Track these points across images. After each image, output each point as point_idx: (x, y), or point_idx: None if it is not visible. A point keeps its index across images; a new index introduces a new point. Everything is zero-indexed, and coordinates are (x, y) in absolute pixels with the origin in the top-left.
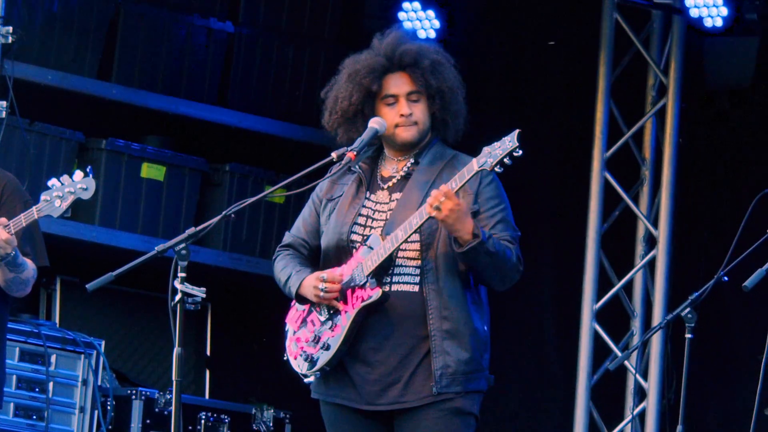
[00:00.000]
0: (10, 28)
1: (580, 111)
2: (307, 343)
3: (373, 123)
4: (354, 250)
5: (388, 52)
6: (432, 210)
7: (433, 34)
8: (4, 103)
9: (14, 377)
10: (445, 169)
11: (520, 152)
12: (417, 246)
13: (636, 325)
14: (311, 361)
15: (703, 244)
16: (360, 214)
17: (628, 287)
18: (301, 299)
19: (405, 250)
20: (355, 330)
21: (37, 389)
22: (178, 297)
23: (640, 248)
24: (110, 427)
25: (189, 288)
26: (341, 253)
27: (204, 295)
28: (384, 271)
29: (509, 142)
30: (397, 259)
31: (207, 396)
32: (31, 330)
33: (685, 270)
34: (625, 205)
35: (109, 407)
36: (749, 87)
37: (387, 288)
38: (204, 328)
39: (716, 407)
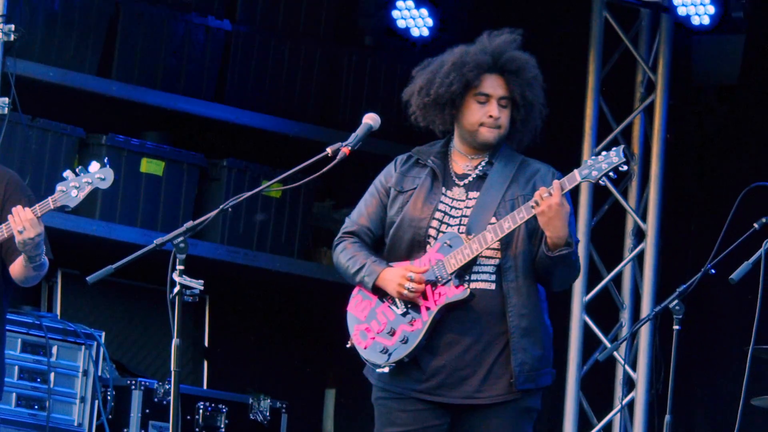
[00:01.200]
0: (13, 26)
1: (570, 107)
2: (380, 334)
3: (367, 119)
4: (428, 246)
5: (496, 53)
6: (533, 204)
7: (426, 32)
8: (6, 100)
9: (16, 368)
10: (519, 172)
11: (626, 167)
12: (497, 245)
13: (625, 316)
14: (387, 353)
15: (690, 237)
16: (438, 209)
17: (617, 280)
18: (376, 291)
19: (491, 248)
20: (434, 326)
21: (38, 380)
22: (176, 289)
23: (628, 242)
24: (110, 416)
25: (187, 280)
26: (414, 246)
27: (202, 288)
28: (466, 269)
29: (615, 156)
30: (477, 258)
31: (205, 386)
32: (32, 321)
33: (673, 263)
34: (614, 200)
35: (109, 397)
36: (736, 83)
37: (466, 285)
38: (202, 320)
39: (704, 397)
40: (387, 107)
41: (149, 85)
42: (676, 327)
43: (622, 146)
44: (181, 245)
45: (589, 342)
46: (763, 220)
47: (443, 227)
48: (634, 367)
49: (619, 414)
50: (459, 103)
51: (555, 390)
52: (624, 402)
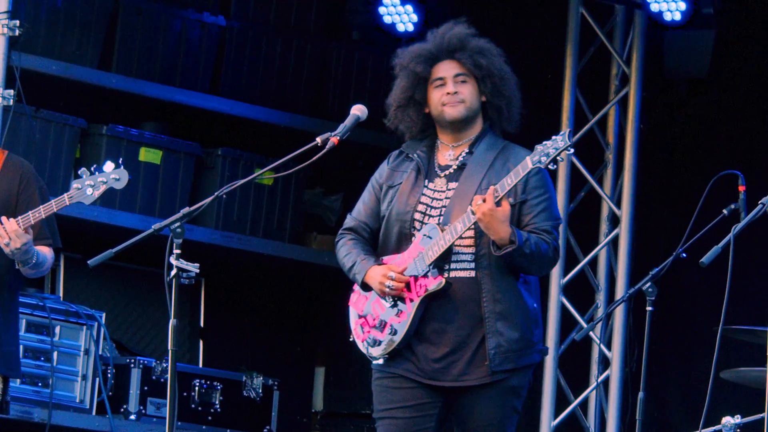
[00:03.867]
0: (17, 22)
1: (548, 99)
2: (374, 327)
3: (355, 110)
4: (413, 238)
5: (436, 40)
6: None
7: (411, 28)
8: (11, 92)
9: (21, 347)
10: (498, 159)
11: (572, 151)
12: (471, 233)
13: (600, 298)
14: (379, 345)
15: (663, 223)
16: (420, 202)
17: (593, 263)
18: (366, 286)
19: (462, 238)
20: (420, 315)
21: (42, 358)
22: (173, 272)
23: (604, 227)
24: (110, 393)
25: (184, 264)
26: (402, 239)
27: (198, 271)
28: (443, 259)
29: (561, 141)
30: (455, 248)
31: (201, 364)
32: (36, 303)
33: (646, 247)
34: (590, 187)
35: (109, 375)
36: (706, 77)
37: (446, 275)
38: (198, 301)
39: (675, 374)
40: (374, 99)
41: (147, 77)
42: (649, 308)
43: (569, 129)
44: (178, 230)
45: (566, 322)
46: (732, 206)
47: (426, 219)
48: (609, 347)
49: (594, 391)
50: (422, 98)
51: (534, 368)
52: (599, 379)
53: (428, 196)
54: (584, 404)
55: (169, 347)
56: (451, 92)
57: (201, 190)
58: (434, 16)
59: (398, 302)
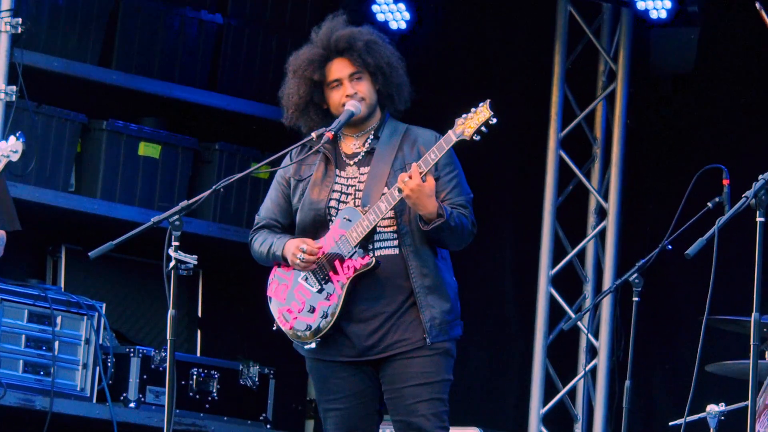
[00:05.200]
0: (20, 20)
1: (537, 95)
2: (301, 313)
3: (349, 105)
4: (330, 223)
5: (324, 42)
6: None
7: (403, 26)
8: (14, 88)
9: (23, 337)
10: (405, 141)
11: (495, 120)
12: (392, 213)
13: (588, 289)
14: (311, 329)
15: (649, 215)
16: (334, 190)
17: (581, 255)
18: (287, 270)
19: (387, 218)
20: (349, 296)
21: (44, 347)
22: (172, 264)
23: (591, 220)
24: (110, 382)
25: (182, 255)
26: (318, 226)
27: (195, 262)
28: (368, 240)
29: (482, 112)
30: (377, 228)
31: (198, 354)
32: (38, 294)
33: (633, 239)
34: (578, 181)
35: (109, 364)
36: (691, 73)
37: (371, 254)
38: (196, 292)
39: (661, 364)
40: None
41: (147, 74)
42: (635, 299)
43: (488, 100)
44: (177, 223)
45: (555, 312)
46: (716, 199)
47: (341, 205)
48: (596, 336)
49: (582, 379)
50: (321, 100)
51: (523, 357)
52: (587, 368)
53: (341, 184)
54: (572, 392)
55: (168, 337)
56: (350, 93)
57: (199, 184)
58: (426, 13)
59: (324, 286)
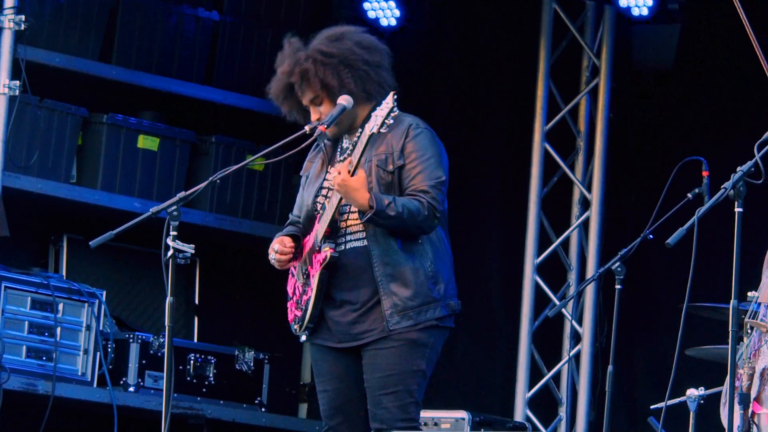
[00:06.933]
0: (23, 17)
1: (523, 89)
2: (295, 307)
3: (342, 100)
4: (316, 220)
5: (283, 79)
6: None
7: (394, 22)
8: (17, 83)
9: (26, 323)
10: (390, 132)
11: (396, 111)
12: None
13: (572, 277)
14: (298, 322)
15: (631, 206)
16: (322, 186)
17: (565, 244)
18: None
19: (354, 212)
20: (323, 288)
21: (46, 333)
22: (170, 252)
23: (575, 210)
24: (110, 366)
25: (180, 245)
26: (312, 220)
27: (193, 251)
28: (336, 233)
29: (386, 105)
30: (348, 222)
31: (195, 339)
32: (40, 281)
33: (616, 229)
34: (562, 172)
35: (109, 349)
36: (671, 69)
37: (342, 248)
38: (193, 280)
39: (643, 349)
40: None
41: (146, 69)
42: (618, 286)
43: (392, 92)
44: (175, 213)
45: (540, 300)
46: (696, 190)
47: (326, 201)
48: (580, 323)
49: (567, 364)
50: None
51: (509, 343)
52: (571, 354)
53: (329, 180)
54: (557, 377)
55: (166, 323)
56: (315, 119)
57: (196, 176)
58: (416, 10)
59: (306, 280)
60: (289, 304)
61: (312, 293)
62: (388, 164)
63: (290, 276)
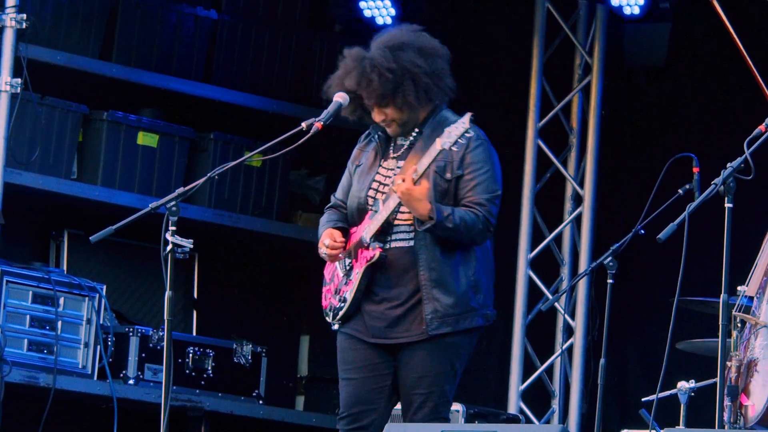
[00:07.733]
0: (24, 15)
1: (516, 87)
2: (332, 295)
3: (337, 97)
4: (369, 213)
5: (347, 87)
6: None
7: (389, 21)
8: (19, 80)
9: (27, 317)
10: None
11: (472, 134)
12: None
13: (565, 272)
14: (333, 311)
15: (623, 201)
16: (374, 180)
17: (558, 239)
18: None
19: (402, 212)
20: (365, 284)
21: (47, 327)
22: (169, 247)
23: (568, 205)
24: (110, 360)
25: (178, 239)
26: (361, 213)
27: (191, 246)
28: (385, 232)
29: (462, 124)
30: (395, 221)
31: (194, 333)
32: (42, 276)
33: (608, 224)
34: (555, 168)
35: (109, 343)
36: (662, 67)
37: (388, 246)
38: (192, 275)
39: (634, 343)
40: None
41: (145, 67)
42: (610, 281)
43: (469, 114)
44: (174, 209)
45: (533, 294)
46: (687, 186)
47: (379, 195)
48: (573, 316)
49: (559, 357)
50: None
51: (503, 336)
52: (564, 347)
53: (382, 174)
54: (550, 370)
55: (165, 317)
56: (379, 121)
57: (194, 172)
58: (411, 9)
59: (349, 272)
60: (324, 290)
61: (353, 287)
62: (447, 172)
63: (328, 262)
